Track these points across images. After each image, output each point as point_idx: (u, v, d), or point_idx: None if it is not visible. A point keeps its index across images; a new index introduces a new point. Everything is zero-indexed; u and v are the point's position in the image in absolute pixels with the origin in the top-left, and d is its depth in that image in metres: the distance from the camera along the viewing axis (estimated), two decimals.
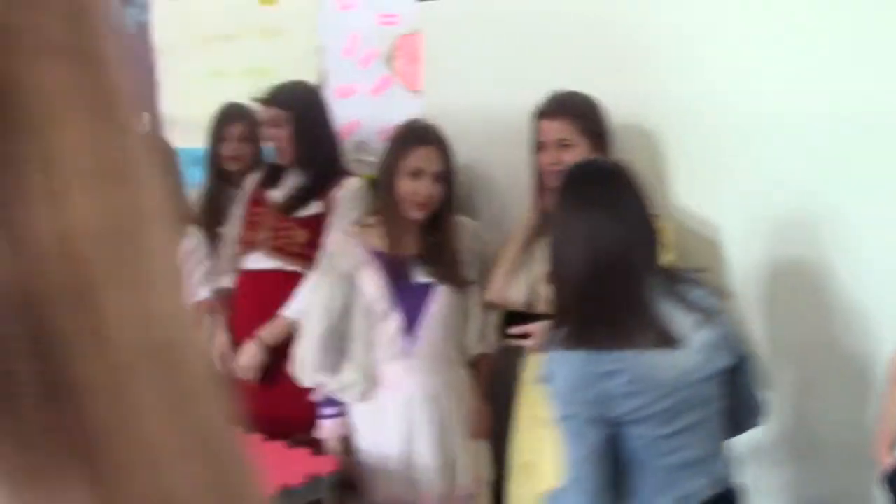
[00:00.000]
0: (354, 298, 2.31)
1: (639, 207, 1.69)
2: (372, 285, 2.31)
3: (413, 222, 2.31)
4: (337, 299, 2.30)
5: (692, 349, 1.63)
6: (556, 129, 2.18)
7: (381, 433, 2.33)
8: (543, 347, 1.75)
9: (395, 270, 2.31)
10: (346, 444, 2.37)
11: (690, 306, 1.66)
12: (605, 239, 1.63)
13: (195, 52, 3.57)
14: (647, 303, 1.63)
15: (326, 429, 2.37)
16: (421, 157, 2.27)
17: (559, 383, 1.64)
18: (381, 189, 2.34)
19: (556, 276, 1.71)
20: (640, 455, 1.64)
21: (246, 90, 3.14)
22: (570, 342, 1.63)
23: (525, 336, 2.01)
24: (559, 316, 1.71)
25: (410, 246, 2.33)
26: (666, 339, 1.61)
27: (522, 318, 2.04)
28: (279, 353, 2.52)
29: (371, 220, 2.40)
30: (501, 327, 2.05)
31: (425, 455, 2.31)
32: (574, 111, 2.16)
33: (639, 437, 1.63)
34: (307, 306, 2.39)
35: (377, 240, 2.34)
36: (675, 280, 1.70)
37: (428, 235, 2.33)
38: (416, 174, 2.26)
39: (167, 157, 2.69)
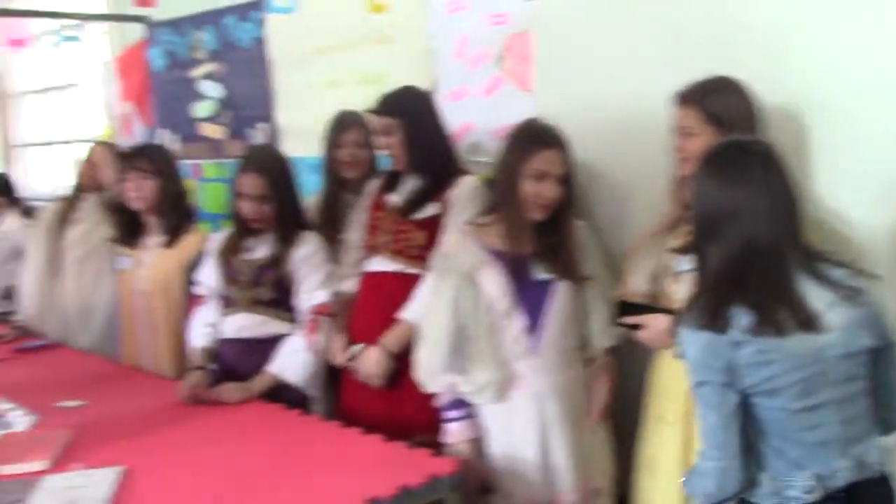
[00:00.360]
0: (476, 298, 2.31)
1: (783, 185, 1.65)
2: (493, 284, 2.31)
3: (532, 222, 2.30)
4: (461, 299, 2.31)
5: (830, 325, 1.61)
6: (680, 116, 2.14)
7: (513, 433, 2.32)
8: (676, 324, 1.74)
9: (516, 269, 2.30)
10: (476, 446, 2.36)
11: (831, 284, 1.63)
12: (750, 216, 1.61)
13: (310, 63, 3.66)
14: (789, 284, 1.61)
15: (454, 432, 2.37)
16: (545, 160, 2.25)
17: (691, 353, 1.66)
18: (501, 189, 2.33)
19: (699, 251, 1.70)
20: (774, 428, 1.65)
21: (361, 98, 3.20)
22: (703, 321, 1.62)
23: (637, 327, 1.97)
24: (697, 292, 1.70)
25: (529, 244, 2.32)
26: (805, 322, 1.59)
27: (639, 308, 2.00)
28: (398, 355, 2.55)
29: (486, 219, 2.39)
30: (616, 316, 2.02)
31: (559, 453, 2.30)
32: (697, 99, 2.10)
33: (772, 410, 1.63)
34: (426, 308, 2.41)
35: (494, 238, 2.34)
36: (817, 259, 1.67)
37: (546, 234, 2.31)
38: (541, 177, 2.25)
39: (283, 167, 2.75)
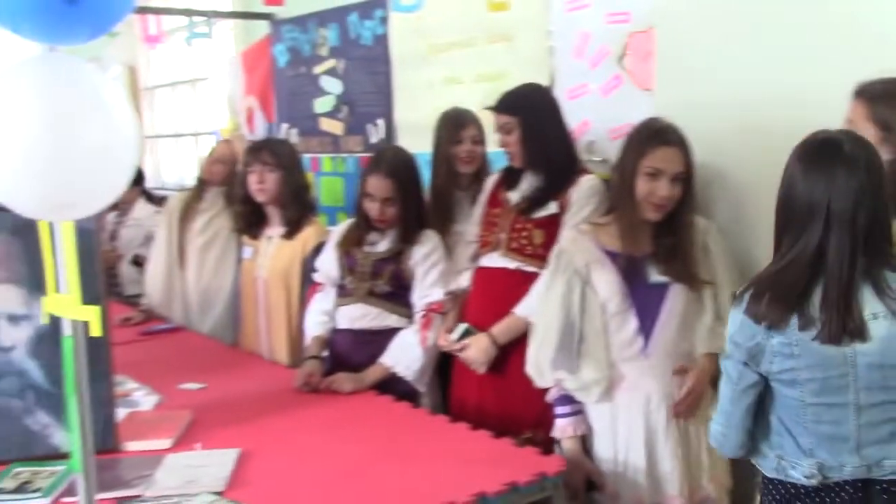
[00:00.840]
0: (588, 297, 2.29)
1: (867, 189, 1.60)
2: (606, 284, 2.29)
3: (648, 222, 2.26)
4: (573, 297, 2.29)
5: (870, 334, 1.61)
6: (849, 111, 2.04)
7: (618, 434, 2.30)
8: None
9: (630, 270, 2.27)
10: (582, 443, 2.35)
11: (887, 296, 1.61)
12: (824, 215, 1.61)
13: (429, 60, 3.69)
14: (848, 292, 1.61)
15: (562, 428, 2.37)
16: (660, 158, 2.22)
17: (730, 327, 1.74)
18: (618, 188, 2.30)
19: (776, 237, 1.72)
20: (789, 413, 1.70)
21: (479, 95, 3.21)
22: (750, 307, 1.67)
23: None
24: (759, 276, 1.72)
25: (645, 245, 2.28)
26: (851, 332, 1.60)
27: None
28: (509, 350, 2.55)
29: (604, 218, 2.37)
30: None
31: (666, 458, 2.27)
32: (864, 95, 2.00)
33: (790, 398, 1.69)
34: (539, 305, 2.40)
35: (610, 238, 2.31)
36: (884, 266, 1.64)
37: (662, 236, 2.27)
38: (655, 174, 2.21)
39: (411, 170, 2.79)
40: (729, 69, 2.54)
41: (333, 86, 4.29)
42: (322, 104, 4.36)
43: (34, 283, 2.19)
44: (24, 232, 2.19)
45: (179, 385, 2.77)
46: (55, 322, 2.14)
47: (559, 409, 2.37)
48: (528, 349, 2.38)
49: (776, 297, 1.64)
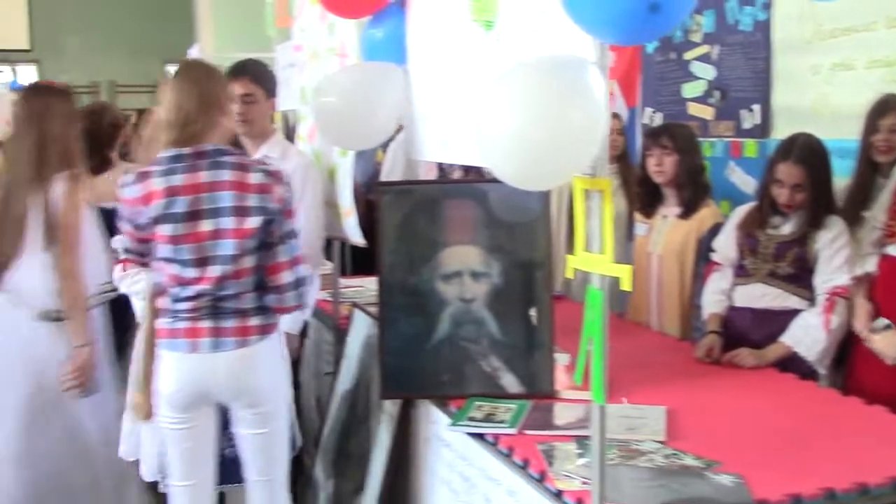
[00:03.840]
0: None
1: None
2: None
3: None
4: None
5: None
6: None
7: None
8: None
9: None
10: None
11: None
12: None
13: (815, 46, 3.68)
14: None
15: None
16: None
17: None
18: None
19: None
20: None
21: (872, 81, 3.18)
22: None
23: None
24: None
25: None
26: None
27: None
28: None
29: None
30: None
31: None
32: None
33: None
34: None
35: None
36: None
37: None
38: None
39: (823, 158, 2.83)
40: None
41: (705, 71, 4.39)
42: (691, 89, 4.48)
43: (492, 245, 2.55)
44: (485, 201, 2.56)
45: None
46: (511, 279, 2.48)
47: None
48: None
49: None
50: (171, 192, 2.39)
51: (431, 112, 2.68)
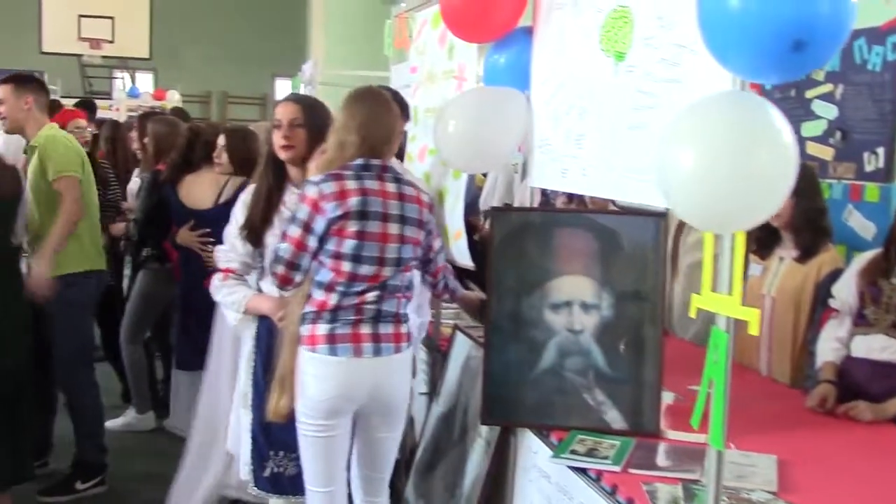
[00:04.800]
0: None
1: None
2: None
3: None
4: None
5: None
6: None
7: None
8: None
9: None
10: None
11: None
12: None
13: None
14: None
15: None
16: None
17: None
18: None
19: None
20: None
21: None
22: None
23: None
24: None
25: None
26: None
27: None
28: None
29: None
30: None
31: None
32: None
33: None
34: None
35: None
36: None
37: None
38: None
39: None
40: None
41: (826, 110, 4.26)
42: (811, 128, 4.35)
43: (604, 276, 2.51)
44: (599, 231, 2.53)
45: (689, 386, 2.96)
46: (620, 312, 2.44)
47: None
48: None
49: None
50: (365, 193, 2.59)
51: (553, 140, 2.67)
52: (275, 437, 2.86)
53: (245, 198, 2.98)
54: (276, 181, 2.92)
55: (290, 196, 2.86)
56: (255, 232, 2.88)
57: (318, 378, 2.59)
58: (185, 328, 4.28)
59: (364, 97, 2.71)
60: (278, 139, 2.87)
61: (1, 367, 3.48)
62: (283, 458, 2.90)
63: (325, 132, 2.76)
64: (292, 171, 2.92)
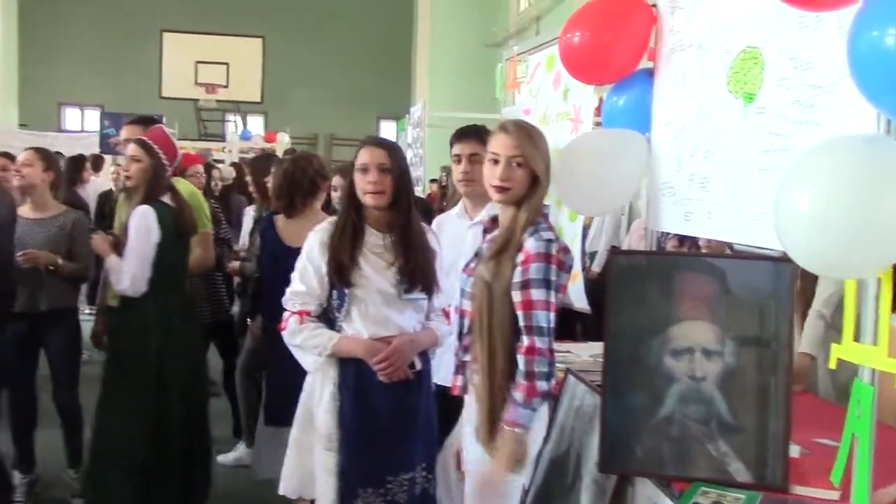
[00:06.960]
0: None
1: None
2: None
3: None
4: None
5: None
6: None
7: None
8: None
9: None
10: None
11: None
12: None
13: None
14: None
15: None
16: None
17: None
18: None
19: None
20: None
21: None
22: None
23: None
24: None
25: None
26: None
27: None
28: None
29: None
30: None
31: None
32: None
33: None
34: None
35: None
36: None
37: None
38: None
39: None
40: None
41: None
42: None
43: (727, 322, 2.44)
44: (722, 276, 2.46)
45: (815, 439, 2.83)
46: (745, 360, 2.36)
47: None
48: None
49: None
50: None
51: (676, 183, 2.62)
52: (365, 474, 2.93)
53: (320, 238, 2.96)
54: (360, 220, 2.93)
55: (371, 237, 2.92)
56: (342, 272, 2.88)
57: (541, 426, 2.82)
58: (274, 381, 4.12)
59: (535, 136, 2.73)
60: (364, 184, 2.85)
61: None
62: (371, 494, 2.92)
63: (408, 176, 2.80)
64: (371, 213, 2.94)
